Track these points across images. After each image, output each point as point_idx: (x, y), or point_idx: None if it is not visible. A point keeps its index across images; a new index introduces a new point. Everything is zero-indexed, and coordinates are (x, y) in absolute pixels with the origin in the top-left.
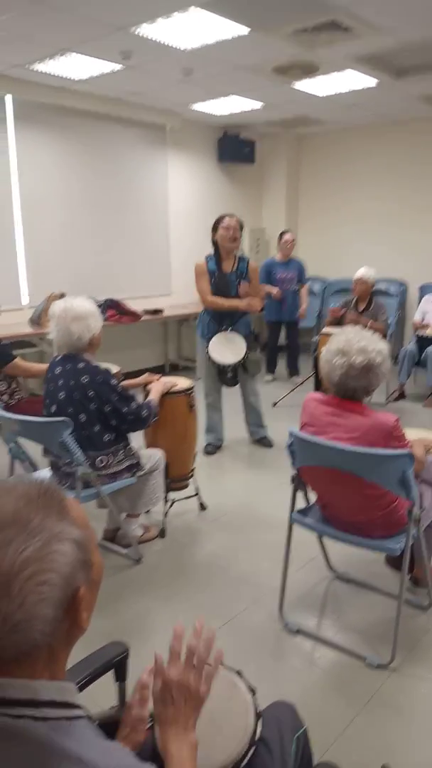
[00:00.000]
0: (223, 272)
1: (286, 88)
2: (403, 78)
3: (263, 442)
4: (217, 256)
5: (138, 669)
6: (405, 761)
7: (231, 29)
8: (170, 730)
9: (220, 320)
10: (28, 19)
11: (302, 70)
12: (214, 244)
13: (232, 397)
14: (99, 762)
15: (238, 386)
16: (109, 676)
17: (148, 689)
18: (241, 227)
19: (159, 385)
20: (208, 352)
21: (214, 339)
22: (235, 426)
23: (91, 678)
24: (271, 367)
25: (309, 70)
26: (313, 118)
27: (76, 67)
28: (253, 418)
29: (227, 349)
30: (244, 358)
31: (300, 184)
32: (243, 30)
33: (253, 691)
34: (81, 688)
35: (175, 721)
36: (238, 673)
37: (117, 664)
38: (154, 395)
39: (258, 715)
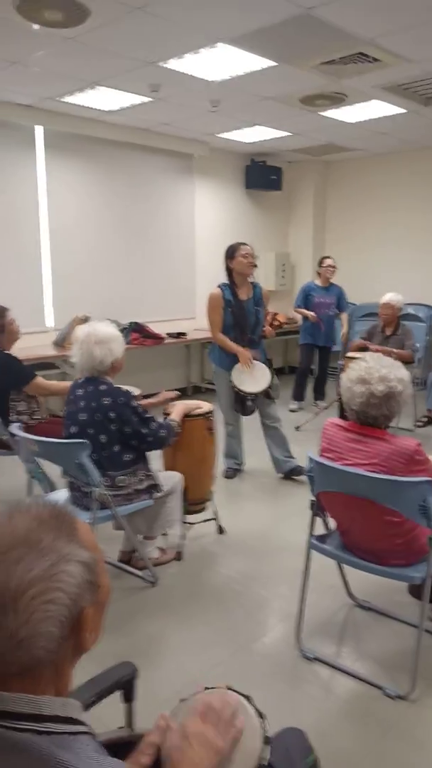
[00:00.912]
0: (239, 301)
1: (313, 117)
2: None
3: (295, 471)
4: (232, 284)
5: (148, 690)
6: None
7: (258, 63)
8: None
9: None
10: (60, 54)
11: (329, 100)
12: (229, 272)
13: (252, 422)
14: None
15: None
16: (117, 696)
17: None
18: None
19: (181, 405)
20: (231, 381)
21: (237, 366)
22: (254, 451)
23: (98, 697)
24: (298, 395)
25: (336, 100)
26: (340, 146)
27: (105, 99)
28: (279, 447)
29: (251, 377)
30: (270, 384)
31: (327, 209)
32: (270, 63)
33: (261, 716)
34: (88, 707)
35: (191, 764)
36: (247, 697)
37: (125, 684)
38: (176, 416)
39: (266, 740)
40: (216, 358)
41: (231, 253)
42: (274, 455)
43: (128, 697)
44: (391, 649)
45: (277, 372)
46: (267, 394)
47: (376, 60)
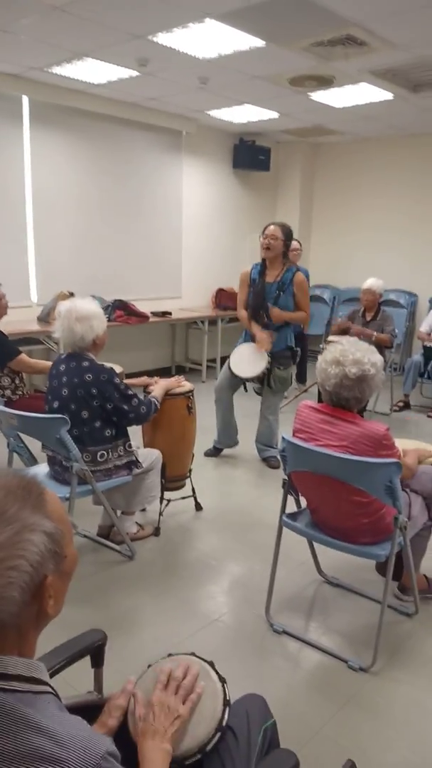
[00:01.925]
0: (263, 281)
1: (302, 98)
2: (420, 92)
3: (269, 461)
4: (263, 265)
5: (120, 659)
6: (377, 761)
7: (247, 41)
8: (148, 740)
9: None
10: (47, 23)
11: (318, 82)
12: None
13: (239, 402)
14: (57, 730)
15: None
16: (88, 661)
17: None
18: (288, 236)
19: (163, 382)
20: (228, 359)
21: (239, 347)
22: (240, 432)
23: (68, 661)
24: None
25: (325, 82)
26: (329, 128)
27: (93, 71)
28: (265, 436)
29: (248, 361)
30: (260, 374)
31: (314, 192)
32: (259, 42)
33: (223, 681)
34: (58, 671)
35: (154, 732)
36: (210, 663)
37: (94, 650)
38: (157, 392)
39: (226, 703)
40: (242, 335)
41: (263, 231)
42: (257, 442)
43: (97, 663)
44: (356, 624)
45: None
46: (267, 382)
47: (364, 43)
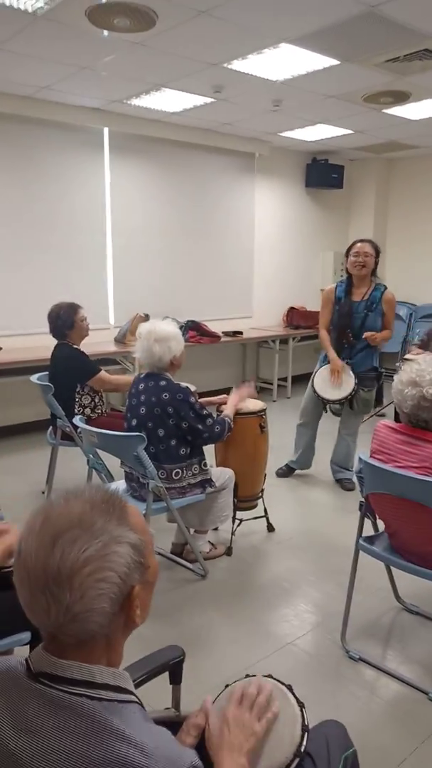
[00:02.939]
0: (350, 300)
1: (376, 114)
2: None
3: (343, 483)
4: (349, 283)
5: (194, 677)
6: None
7: (321, 62)
8: (224, 753)
9: (338, 350)
10: (128, 58)
11: (394, 98)
12: (347, 270)
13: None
14: (143, 741)
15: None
16: (165, 678)
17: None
18: (377, 253)
19: (235, 397)
20: (312, 380)
21: (322, 370)
22: (316, 451)
23: (147, 677)
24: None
25: (400, 97)
26: (404, 143)
27: (169, 100)
28: (340, 457)
29: (333, 383)
30: (347, 397)
31: (389, 208)
32: (333, 62)
33: (301, 705)
34: (136, 686)
35: (230, 746)
36: (289, 686)
37: (173, 666)
38: (229, 410)
39: (305, 728)
40: (321, 356)
41: (347, 251)
42: (332, 462)
43: (175, 680)
44: None
45: None
46: (350, 404)
47: None
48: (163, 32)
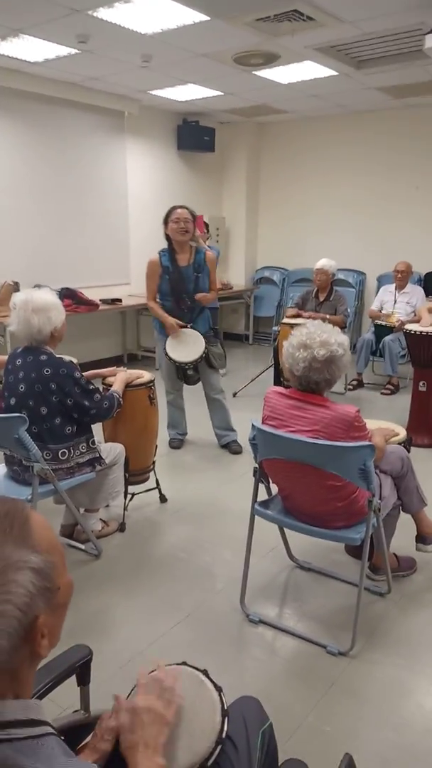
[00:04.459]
0: (178, 267)
1: (247, 76)
2: (363, 69)
3: (231, 447)
4: (171, 250)
5: (99, 667)
6: (365, 745)
7: (191, 16)
8: (138, 754)
9: (179, 317)
10: None
11: (263, 59)
12: (167, 237)
13: (195, 391)
14: None
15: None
16: (72, 678)
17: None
18: (194, 217)
19: (123, 374)
20: (165, 350)
21: (171, 337)
22: (196, 420)
23: (54, 683)
24: None
25: (270, 59)
26: (274, 107)
27: (30, 49)
28: (219, 419)
29: (185, 346)
30: (202, 354)
31: (260, 173)
32: (203, 17)
33: (219, 689)
34: (44, 694)
35: (144, 744)
36: (204, 671)
37: (80, 668)
38: (117, 386)
39: (224, 714)
40: (157, 326)
41: (166, 218)
42: (214, 428)
43: (83, 681)
44: (331, 607)
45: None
46: (209, 363)
47: (310, 18)
48: None
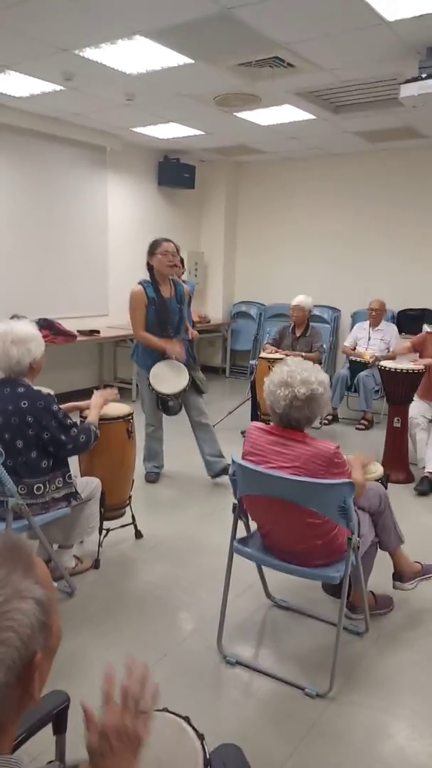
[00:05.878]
0: (163, 298)
1: (227, 117)
2: (341, 114)
3: (227, 471)
4: (154, 281)
5: (72, 711)
6: None
7: (175, 59)
8: None
9: (157, 349)
10: None
11: (243, 101)
12: (150, 268)
13: (171, 423)
14: None
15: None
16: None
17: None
18: (177, 251)
19: (98, 398)
20: (149, 382)
21: (154, 369)
22: (172, 452)
23: (29, 733)
24: None
25: (250, 101)
26: (252, 147)
27: (16, 84)
28: (209, 446)
29: (170, 376)
30: (189, 382)
31: (238, 210)
32: (187, 60)
33: (201, 738)
34: (18, 745)
35: None
36: (186, 718)
37: (57, 715)
38: (93, 415)
39: (207, 762)
40: (138, 359)
41: (152, 249)
42: (205, 455)
43: (60, 729)
44: (309, 647)
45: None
46: (197, 388)
47: (290, 65)
48: (10, 6)
